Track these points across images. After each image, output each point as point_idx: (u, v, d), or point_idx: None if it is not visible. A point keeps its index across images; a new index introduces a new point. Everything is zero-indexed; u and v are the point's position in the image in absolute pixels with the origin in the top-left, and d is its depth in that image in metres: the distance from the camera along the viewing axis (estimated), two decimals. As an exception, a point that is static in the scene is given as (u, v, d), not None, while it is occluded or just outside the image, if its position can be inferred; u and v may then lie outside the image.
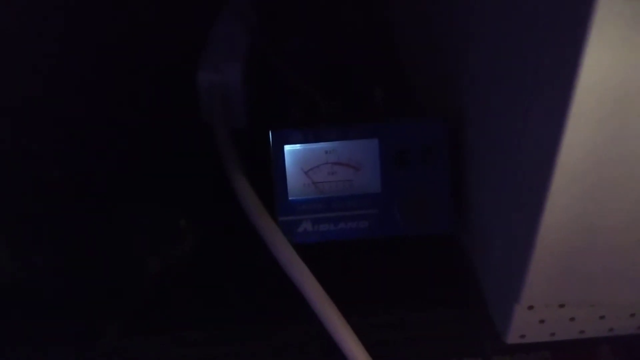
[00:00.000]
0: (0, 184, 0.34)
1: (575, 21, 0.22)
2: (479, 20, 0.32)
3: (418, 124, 0.35)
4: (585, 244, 0.27)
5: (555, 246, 0.27)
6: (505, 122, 0.29)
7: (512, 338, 0.31)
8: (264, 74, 0.48)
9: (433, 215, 0.35)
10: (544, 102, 0.25)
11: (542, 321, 0.30)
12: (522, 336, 0.31)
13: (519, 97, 0.27)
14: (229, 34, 0.47)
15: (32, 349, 0.32)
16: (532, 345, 0.32)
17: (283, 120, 0.45)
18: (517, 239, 0.28)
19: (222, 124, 0.40)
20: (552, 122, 0.24)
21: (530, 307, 0.29)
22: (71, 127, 0.42)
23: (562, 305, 0.30)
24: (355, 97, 0.47)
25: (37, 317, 0.33)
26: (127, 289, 0.35)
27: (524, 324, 0.30)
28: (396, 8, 0.54)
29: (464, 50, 0.35)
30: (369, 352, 0.31)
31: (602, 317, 0.30)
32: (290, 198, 0.35)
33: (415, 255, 0.36)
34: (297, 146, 0.35)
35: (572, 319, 0.30)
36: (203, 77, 0.42)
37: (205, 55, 0.44)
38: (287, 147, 0.35)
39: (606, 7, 0.21)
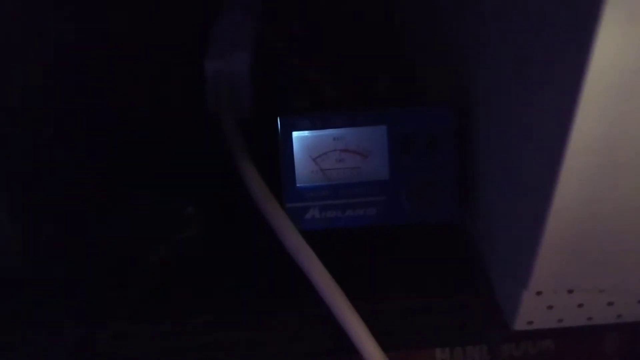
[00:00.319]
0: (6, 168, 0.34)
1: (588, 4, 0.22)
2: (488, 5, 0.32)
3: (426, 110, 0.35)
4: (595, 228, 0.27)
5: (564, 231, 0.27)
6: (514, 107, 0.29)
7: (519, 324, 0.31)
8: (270, 61, 0.48)
9: (440, 202, 0.35)
10: (554, 86, 0.25)
11: (550, 307, 0.30)
12: (530, 322, 0.31)
13: (529, 82, 0.27)
14: (235, 22, 0.47)
15: (36, 334, 0.32)
16: (537, 332, 0.32)
17: (288, 108, 0.45)
18: (526, 224, 0.28)
19: (228, 112, 0.40)
20: (562, 106, 0.24)
21: (539, 293, 0.29)
22: (78, 115, 0.42)
23: (570, 291, 0.30)
24: (361, 84, 0.47)
25: (43, 305, 0.34)
26: (133, 276, 0.35)
27: (532, 310, 0.30)
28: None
29: (473, 36, 0.35)
30: (375, 338, 0.31)
31: (610, 304, 0.30)
32: (298, 185, 0.35)
33: (422, 243, 0.36)
34: (305, 133, 0.35)
35: (580, 305, 0.30)
36: (210, 66, 0.42)
37: (212, 43, 0.44)
38: (295, 134, 0.35)
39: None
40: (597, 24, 0.21)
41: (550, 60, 0.25)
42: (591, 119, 0.23)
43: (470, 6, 0.35)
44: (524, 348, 0.39)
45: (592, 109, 0.23)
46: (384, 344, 0.31)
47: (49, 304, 0.34)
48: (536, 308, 0.30)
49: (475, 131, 0.35)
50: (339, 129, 0.35)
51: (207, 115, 0.41)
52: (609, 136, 0.24)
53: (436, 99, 0.44)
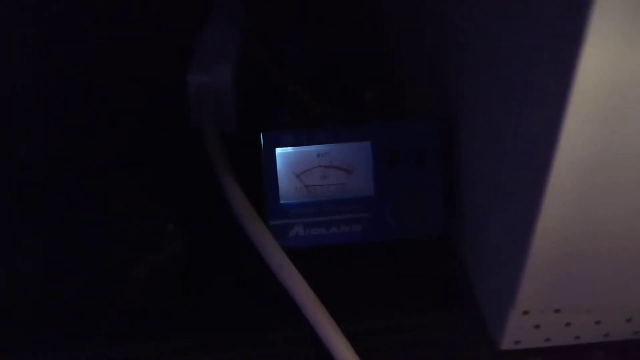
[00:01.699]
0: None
1: (574, 16, 0.21)
2: (473, 19, 0.32)
3: (411, 125, 0.35)
4: (582, 248, 0.26)
5: (551, 250, 0.26)
6: (499, 123, 0.29)
7: (506, 344, 0.30)
8: (254, 75, 0.47)
9: (426, 218, 0.35)
10: (539, 104, 0.25)
11: (537, 326, 0.30)
12: (517, 342, 0.30)
13: (514, 98, 0.27)
14: (218, 35, 0.46)
15: (14, 355, 0.31)
16: (524, 351, 0.31)
17: (273, 122, 0.45)
18: (512, 243, 0.28)
19: (211, 127, 0.39)
20: (548, 124, 0.24)
21: (526, 313, 0.29)
22: (57, 130, 0.41)
23: (557, 311, 0.29)
24: (346, 99, 0.47)
25: (21, 325, 0.33)
26: (113, 295, 0.34)
27: (519, 330, 0.30)
28: (388, 10, 0.54)
29: (458, 51, 0.34)
30: (360, 357, 0.30)
31: (597, 322, 0.30)
32: (281, 201, 0.34)
33: (408, 259, 0.36)
34: (289, 149, 0.34)
35: (567, 324, 0.30)
36: (192, 80, 0.41)
37: (195, 57, 0.43)
38: (278, 150, 0.34)
39: (605, 1, 0.20)
40: (583, 40, 0.21)
41: (535, 77, 0.25)
42: (576, 138, 0.23)
43: (456, 20, 0.35)
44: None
45: (578, 127, 0.23)
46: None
47: (27, 324, 0.33)
48: (523, 327, 0.30)
49: (461, 147, 0.35)
50: (323, 145, 0.34)
51: (190, 130, 0.40)
52: (594, 155, 0.24)
53: (423, 114, 0.43)
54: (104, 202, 0.37)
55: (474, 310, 0.33)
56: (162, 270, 0.35)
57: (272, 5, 0.53)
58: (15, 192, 0.36)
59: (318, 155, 0.34)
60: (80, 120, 0.43)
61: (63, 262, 0.34)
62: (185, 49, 0.44)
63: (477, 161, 0.33)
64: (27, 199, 0.37)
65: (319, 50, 0.52)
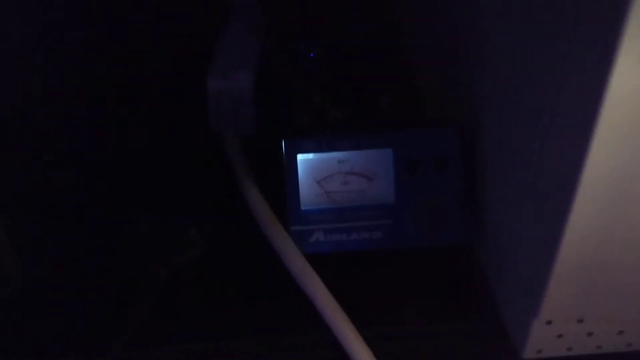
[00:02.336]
0: (8, 191, 0.34)
1: (606, 30, 0.21)
2: (499, 25, 0.32)
3: (432, 133, 0.35)
4: (607, 258, 0.26)
5: (576, 260, 0.26)
6: (525, 132, 0.29)
7: (529, 353, 0.30)
8: (273, 80, 0.47)
9: (447, 225, 0.35)
10: (569, 113, 0.24)
11: (559, 336, 0.30)
12: (539, 351, 0.30)
13: (542, 107, 0.27)
14: (237, 40, 0.47)
15: (37, 356, 0.32)
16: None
17: (291, 127, 0.45)
18: (538, 253, 0.28)
19: (232, 132, 0.39)
20: (577, 133, 0.24)
21: (549, 322, 0.29)
22: (81, 136, 0.41)
23: (580, 321, 0.29)
24: (362, 103, 0.47)
25: (43, 329, 0.33)
26: (135, 299, 0.34)
27: (542, 339, 0.30)
28: (405, 14, 0.54)
29: (481, 57, 0.34)
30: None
31: (620, 333, 0.30)
32: (302, 208, 0.35)
33: (428, 267, 0.36)
34: (310, 155, 0.34)
35: (590, 334, 0.30)
36: (212, 85, 0.42)
37: (215, 62, 0.43)
38: (299, 156, 0.34)
39: (638, 16, 0.20)
40: (615, 51, 0.21)
41: (566, 86, 0.25)
42: (607, 149, 0.23)
43: (479, 26, 0.35)
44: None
45: (608, 137, 0.23)
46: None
47: (49, 327, 0.33)
48: (546, 337, 0.29)
49: (482, 154, 0.35)
50: (344, 152, 0.34)
51: (211, 135, 0.40)
52: (624, 165, 0.24)
53: (440, 119, 0.43)
54: (126, 207, 0.37)
55: (494, 318, 0.33)
56: (184, 275, 0.35)
57: (290, 10, 0.53)
58: (37, 196, 0.36)
59: (339, 161, 0.34)
60: (102, 125, 0.43)
61: (86, 266, 0.35)
62: (205, 54, 0.44)
63: (500, 169, 0.32)
64: (49, 202, 0.37)
65: (335, 54, 0.52)
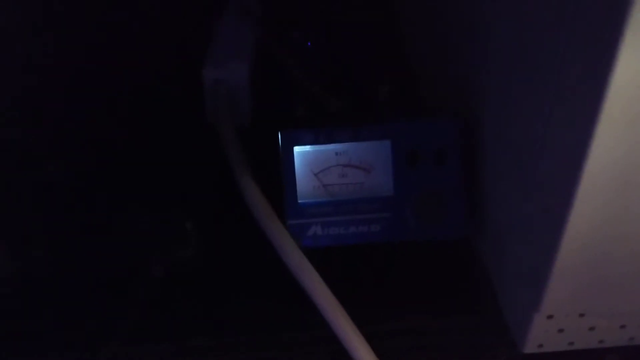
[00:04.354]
0: (3, 185, 0.33)
1: (609, 20, 0.21)
2: (500, 14, 0.31)
3: (431, 123, 0.34)
4: (610, 251, 0.26)
5: (579, 254, 0.26)
6: (526, 123, 0.28)
7: (529, 347, 0.30)
8: (269, 71, 0.47)
9: (447, 218, 0.34)
10: (571, 103, 0.24)
11: (561, 330, 0.29)
12: (540, 346, 0.30)
13: (544, 97, 0.26)
14: (234, 30, 0.46)
15: (33, 357, 0.31)
16: (546, 355, 0.31)
17: (288, 118, 0.44)
18: (539, 246, 0.27)
19: (227, 123, 0.39)
20: (579, 125, 0.23)
21: (550, 317, 0.29)
22: (74, 127, 0.41)
23: (582, 315, 0.29)
24: (363, 94, 0.46)
25: (39, 326, 0.33)
26: (131, 294, 0.34)
27: (543, 333, 0.29)
28: (404, 2, 0.53)
29: (482, 46, 0.34)
30: (380, 359, 0.30)
31: (622, 327, 0.29)
32: (299, 201, 0.34)
33: (428, 261, 0.35)
34: (307, 147, 0.34)
35: (591, 329, 0.29)
36: (208, 75, 0.41)
37: (210, 52, 0.43)
38: (296, 149, 0.34)
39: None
40: (619, 41, 0.20)
41: (568, 76, 0.24)
42: (610, 139, 0.22)
43: (480, 14, 0.34)
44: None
45: (611, 129, 0.22)
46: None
47: (44, 324, 0.33)
48: (547, 331, 0.29)
49: (483, 146, 0.34)
50: (342, 144, 0.34)
51: (206, 127, 0.40)
52: (628, 157, 0.23)
53: (439, 109, 0.43)
54: (121, 201, 0.36)
55: (495, 312, 0.33)
56: (180, 270, 0.34)
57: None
58: (31, 191, 0.35)
59: (336, 154, 0.34)
60: (94, 118, 0.42)
61: (81, 261, 0.34)
62: (200, 44, 0.43)
63: (501, 161, 0.32)
64: (44, 198, 0.36)
65: (333, 44, 0.51)
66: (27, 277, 0.34)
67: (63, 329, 0.32)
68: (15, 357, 0.31)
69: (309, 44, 0.50)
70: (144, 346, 0.32)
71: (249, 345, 0.32)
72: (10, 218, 0.34)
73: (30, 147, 0.35)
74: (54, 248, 0.34)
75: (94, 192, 0.37)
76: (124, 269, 0.34)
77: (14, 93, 0.34)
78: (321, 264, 0.32)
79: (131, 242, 0.35)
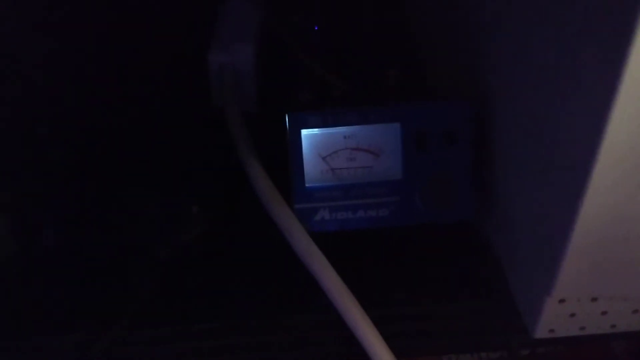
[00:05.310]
0: (7, 168, 0.33)
1: (626, 6, 0.20)
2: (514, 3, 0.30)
3: (441, 106, 0.34)
4: (623, 234, 0.25)
5: (591, 237, 0.25)
6: (540, 105, 0.28)
7: (540, 332, 0.29)
8: (275, 54, 0.46)
9: (456, 202, 0.34)
10: (586, 84, 0.23)
11: (572, 315, 0.29)
12: (551, 330, 0.29)
13: (557, 80, 0.26)
14: (239, 13, 0.45)
15: (39, 339, 0.31)
16: (557, 340, 0.30)
17: (294, 101, 0.44)
18: (551, 229, 0.27)
19: (233, 107, 0.38)
20: (595, 106, 0.22)
21: (562, 301, 0.28)
22: (80, 113, 0.40)
23: (594, 299, 0.28)
24: (367, 77, 0.46)
25: (43, 308, 0.32)
26: (135, 278, 0.33)
27: (554, 318, 0.29)
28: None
29: (493, 28, 0.33)
30: (388, 344, 0.30)
31: (635, 311, 0.29)
32: (307, 185, 0.34)
33: (437, 245, 0.35)
34: (315, 130, 0.33)
35: (604, 313, 0.29)
36: (213, 59, 0.40)
37: (216, 36, 0.42)
38: (304, 132, 0.33)
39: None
40: (633, 32, 0.20)
41: (582, 63, 0.23)
42: (624, 124, 0.22)
43: (491, 2, 0.33)
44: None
45: (626, 113, 0.22)
46: (397, 349, 0.30)
47: (50, 307, 0.32)
48: (558, 316, 0.29)
49: (495, 129, 0.34)
50: (350, 127, 0.33)
51: (212, 111, 0.39)
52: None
53: (447, 92, 0.42)
54: (127, 185, 0.36)
55: (505, 297, 0.32)
56: (186, 253, 0.34)
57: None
58: (37, 175, 0.35)
59: (345, 137, 0.33)
60: (101, 102, 0.42)
61: (86, 245, 0.34)
62: (206, 27, 0.42)
63: (512, 143, 0.31)
64: (48, 184, 0.36)
65: (339, 27, 0.50)
66: (31, 259, 0.34)
67: (67, 312, 0.32)
68: (18, 338, 0.31)
69: (315, 27, 0.49)
70: (149, 329, 0.32)
71: (255, 329, 0.32)
72: (14, 201, 0.34)
73: (32, 128, 0.35)
74: (59, 230, 0.34)
75: (101, 176, 0.37)
76: (130, 252, 0.34)
77: (19, 77, 0.34)
78: (329, 248, 0.32)
79: (137, 226, 0.34)
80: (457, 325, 0.32)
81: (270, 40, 0.46)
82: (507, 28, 0.31)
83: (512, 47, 0.31)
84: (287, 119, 0.33)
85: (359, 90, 0.44)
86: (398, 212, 0.34)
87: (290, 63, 0.46)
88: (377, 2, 0.53)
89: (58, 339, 0.31)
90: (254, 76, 0.42)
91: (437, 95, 0.44)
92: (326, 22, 0.50)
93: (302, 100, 0.44)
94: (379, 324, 0.30)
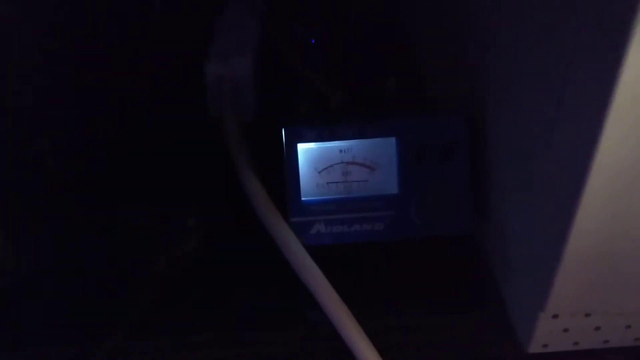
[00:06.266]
0: (3, 181, 0.33)
1: (619, 14, 0.20)
2: (507, 9, 0.30)
3: (437, 121, 0.34)
4: (617, 250, 0.26)
5: (586, 252, 0.25)
6: (533, 119, 0.28)
7: (534, 347, 0.30)
8: (273, 65, 0.46)
9: (452, 216, 0.34)
10: (579, 99, 0.23)
11: (566, 330, 0.29)
12: (545, 345, 0.30)
13: (551, 93, 0.26)
14: (237, 24, 0.45)
15: (34, 350, 0.31)
16: (551, 355, 0.30)
17: (292, 113, 0.44)
18: (545, 244, 0.27)
19: (231, 119, 0.38)
20: (588, 121, 0.23)
21: (555, 316, 0.28)
22: (78, 124, 0.40)
23: (588, 315, 0.28)
24: (367, 89, 0.46)
25: (40, 320, 0.32)
26: (133, 290, 0.34)
27: (548, 333, 0.29)
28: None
29: (488, 41, 0.33)
30: (382, 356, 0.30)
31: (628, 327, 0.29)
32: (303, 198, 0.34)
33: (432, 258, 0.35)
34: (311, 145, 0.33)
35: (597, 328, 0.29)
36: (211, 70, 0.41)
37: (214, 46, 0.42)
38: (300, 146, 0.33)
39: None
40: (628, 41, 0.20)
41: (576, 72, 0.24)
42: (618, 136, 0.22)
43: (487, 8, 0.33)
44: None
45: (620, 125, 0.22)
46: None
47: (46, 318, 0.33)
48: (552, 331, 0.29)
49: (488, 143, 0.34)
50: (346, 141, 0.33)
51: (210, 122, 0.39)
52: (635, 154, 0.23)
53: (445, 104, 0.42)
54: (123, 197, 0.36)
55: (499, 311, 0.32)
56: (182, 265, 0.34)
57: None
58: (33, 186, 0.35)
59: (340, 151, 0.34)
60: (97, 112, 0.42)
61: (83, 257, 0.34)
62: (204, 38, 0.43)
63: (507, 158, 0.32)
64: (44, 191, 0.36)
65: (338, 39, 0.51)
66: (28, 272, 0.34)
67: (64, 323, 0.32)
68: (15, 349, 0.31)
69: (312, 41, 0.50)
70: (145, 341, 0.32)
71: (250, 341, 0.32)
72: (11, 213, 0.34)
73: (31, 142, 0.35)
74: (56, 243, 0.34)
75: (96, 188, 0.37)
76: (126, 265, 0.34)
77: (15, 87, 0.34)
78: (324, 262, 0.32)
79: (133, 238, 0.34)
80: (451, 338, 0.32)
81: (268, 52, 0.46)
82: (502, 42, 0.31)
83: (506, 62, 0.31)
84: (283, 133, 0.34)
85: (357, 101, 0.45)
86: (394, 226, 0.34)
87: (289, 75, 0.46)
88: (374, 13, 0.54)
89: (55, 350, 0.31)
90: (251, 87, 0.42)
91: (435, 106, 0.44)
92: (324, 33, 0.51)
93: (300, 112, 0.44)
94: (374, 336, 0.30)
